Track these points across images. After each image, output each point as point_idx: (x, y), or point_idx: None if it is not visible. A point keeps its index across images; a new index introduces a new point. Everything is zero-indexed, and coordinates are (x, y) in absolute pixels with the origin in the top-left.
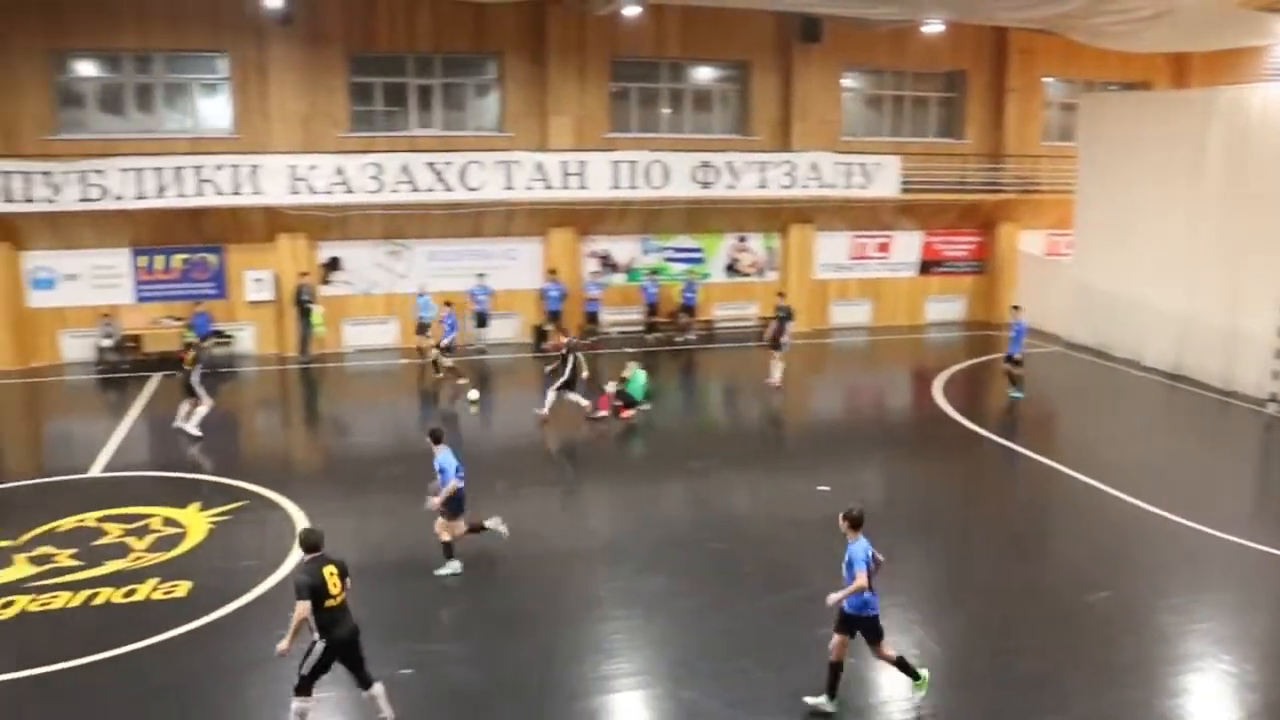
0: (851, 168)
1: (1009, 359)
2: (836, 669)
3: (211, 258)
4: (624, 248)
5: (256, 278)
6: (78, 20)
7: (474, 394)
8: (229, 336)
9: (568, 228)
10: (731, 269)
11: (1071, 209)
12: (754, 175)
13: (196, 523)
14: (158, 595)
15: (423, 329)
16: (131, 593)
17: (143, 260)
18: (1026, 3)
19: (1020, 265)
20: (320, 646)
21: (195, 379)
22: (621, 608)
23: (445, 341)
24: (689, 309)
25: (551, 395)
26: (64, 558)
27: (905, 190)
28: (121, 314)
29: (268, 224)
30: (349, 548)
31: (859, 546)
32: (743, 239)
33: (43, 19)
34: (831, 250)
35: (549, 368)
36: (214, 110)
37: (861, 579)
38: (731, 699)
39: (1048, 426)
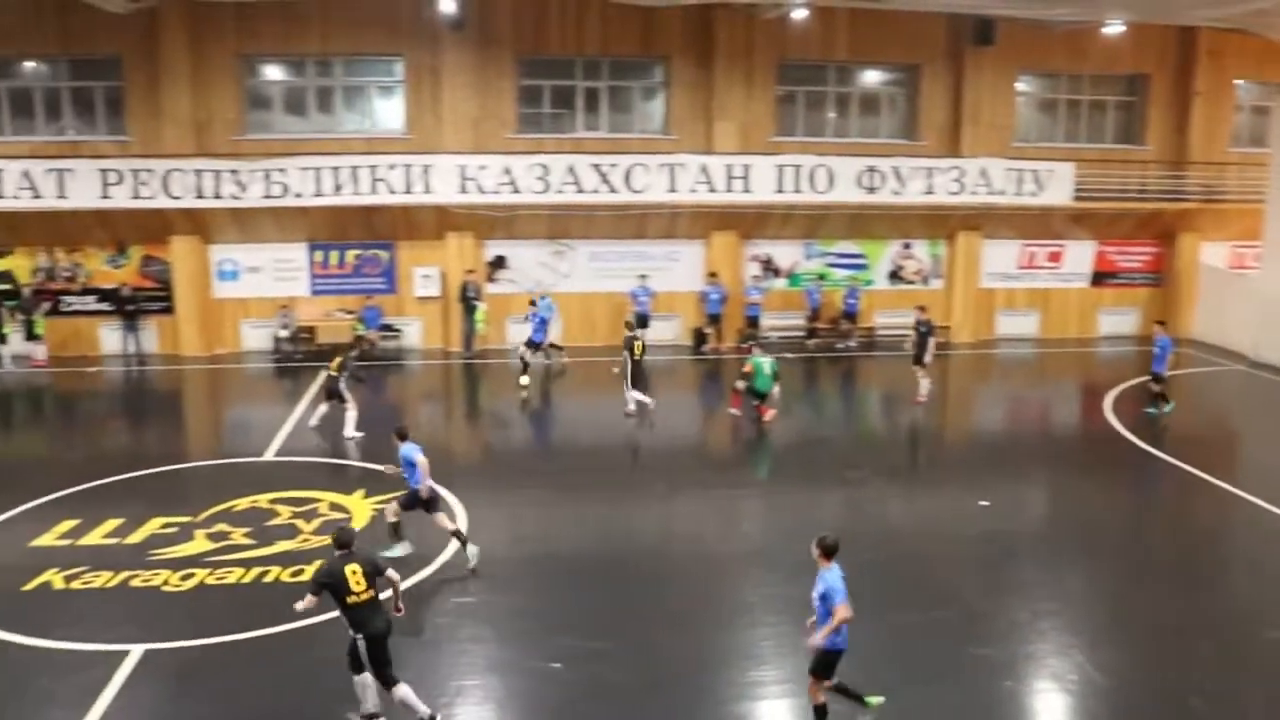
0: (1023, 174)
1: (1153, 377)
2: (821, 712)
3: (383, 254)
4: (786, 252)
5: (425, 274)
6: (267, 28)
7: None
8: (397, 330)
9: (730, 231)
10: (895, 276)
11: (1260, 219)
12: (920, 181)
13: (360, 509)
14: None
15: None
16: (299, 572)
17: (318, 255)
18: (1220, 0)
19: (1201, 278)
20: (360, 642)
21: (343, 384)
22: (772, 614)
23: (536, 340)
24: (851, 316)
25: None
26: (239, 535)
27: (1079, 198)
28: (298, 306)
29: (437, 222)
30: (504, 542)
31: (834, 576)
32: (907, 246)
33: (236, 27)
34: (999, 259)
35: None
36: (389, 112)
37: (844, 611)
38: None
39: (1228, 449)
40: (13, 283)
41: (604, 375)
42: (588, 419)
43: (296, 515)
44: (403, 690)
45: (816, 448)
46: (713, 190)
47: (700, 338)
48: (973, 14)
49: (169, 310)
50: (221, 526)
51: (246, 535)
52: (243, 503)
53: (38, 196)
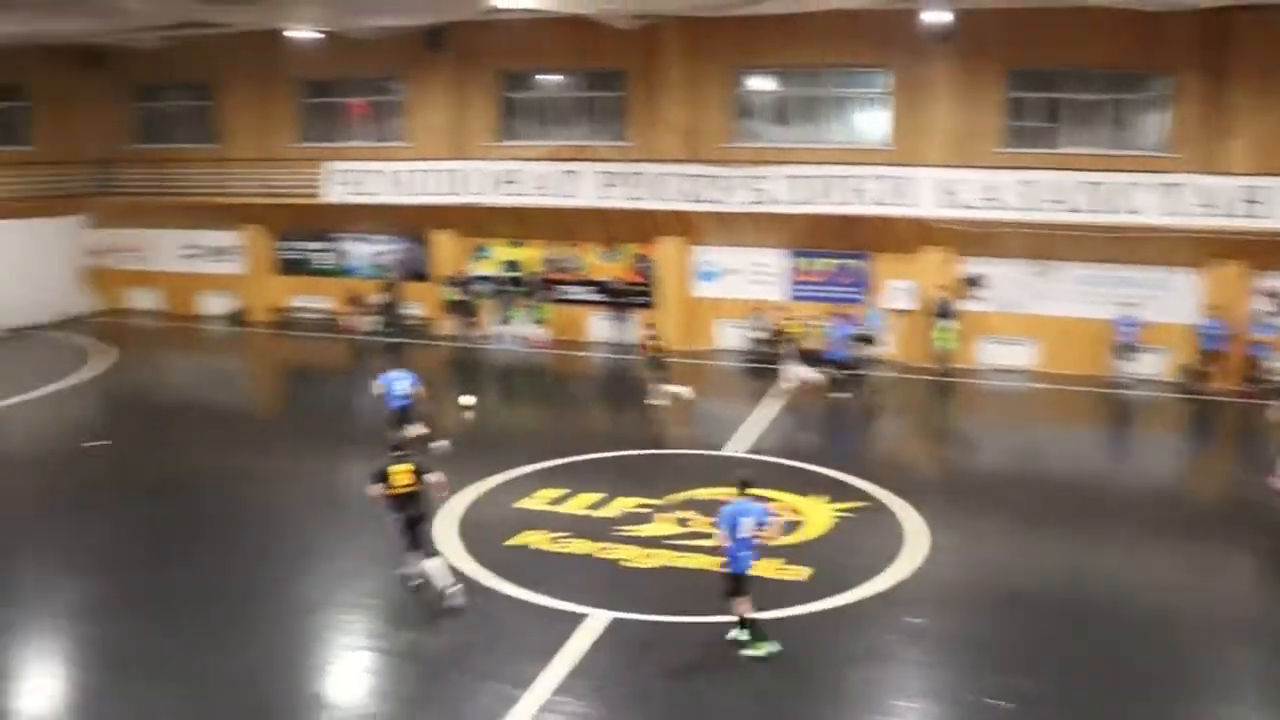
0: None
1: None
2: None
3: (858, 264)
4: None
5: (899, 287)
6: (760, 40)
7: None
8: (869, 339)
9: (1236, 260)
10: None
11: None
12: None
13: (820, 514)
14: (780, 574)
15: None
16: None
17: (795, 262)
18: None
19: None
20: (393, 520)
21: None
22: (1245, 693)
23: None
24: None
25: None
26: (701, 523)
27: None
28: (771, 309)
29: (914, 235)
30: (961, 567)
31: (737, 507)
32: None
33: (731, 39)
34: None
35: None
36: (872, 123)
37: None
38: None
39: None
40: (522, 271)
41: (1080, 405)
42: (1058, 450)
43: None
44: (431, 564)
45: None
46: (1219, 215)
47: (1199, 375)
48: None
49: (652, 305)
50: (686, 513)
51: (709, 524)
52: (706, 493)
53: (548, 195)
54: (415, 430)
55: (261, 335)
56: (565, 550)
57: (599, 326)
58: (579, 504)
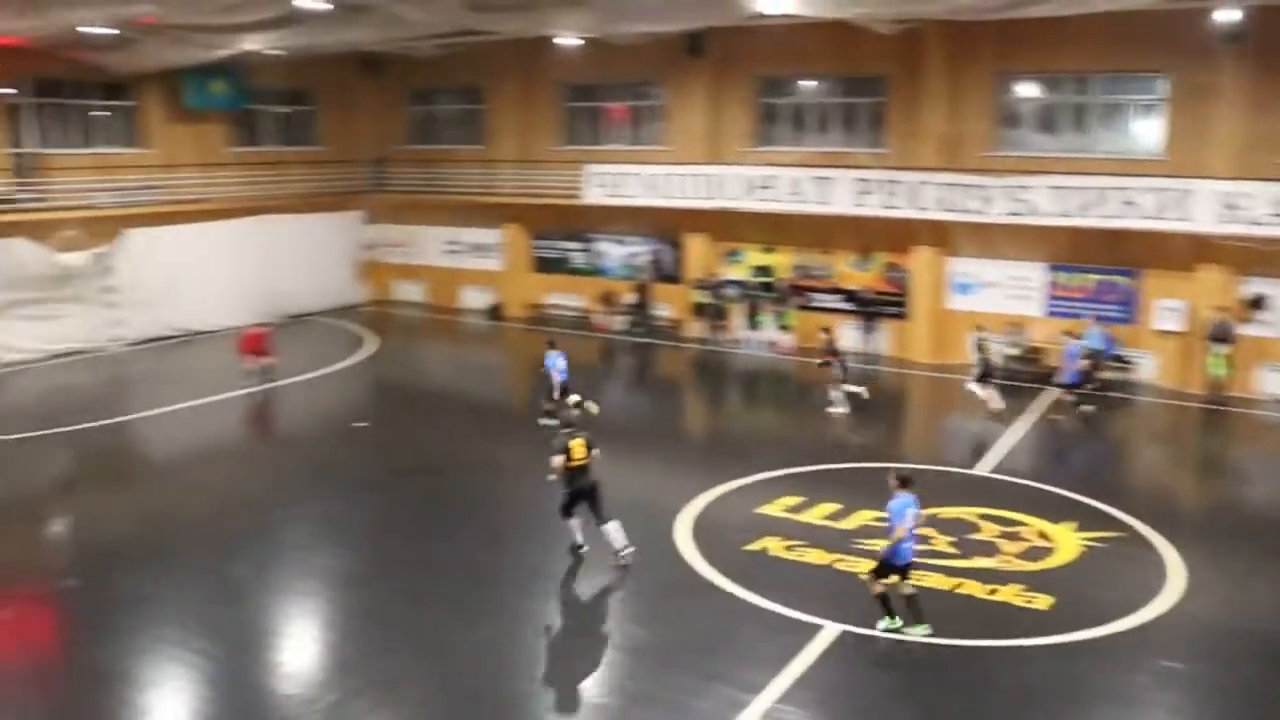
0: None
1: None
2: (884, 599)
3: (1124, 280)
4: None
5: (1169, 307)
6: (1025, 45)
7: None
8: (1129, 362)
9: None
10: None
11: None
12: None
13: (1068, 541)
14: (1018, 601)
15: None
16: (994, 591)
17: (1055, 276)
18: None
19: None
20: (565, 493)
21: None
22: None
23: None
24: None
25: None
26: (941, 543)
27: None
28: (1028, 325)
29: (1190, 252)
30: (1225, 609)
31: (898, 503)
32: None
33: (994, 45)
34: None
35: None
36: (1145, 132)
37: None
38: None
39: None
40: (772, 276)
41: None
42: None
43: (1001, 535)
44: (611, 526)
45: None
46: None
47: None
48: None
49: (903, 316)
50: (926, 530)
51: (949, 544)
52: (949, 511)
53: (802, 201)
54: (572, 401)
55: (516, 330)
56: (801, 559)
57: (847, 335)
58: (817, 513)
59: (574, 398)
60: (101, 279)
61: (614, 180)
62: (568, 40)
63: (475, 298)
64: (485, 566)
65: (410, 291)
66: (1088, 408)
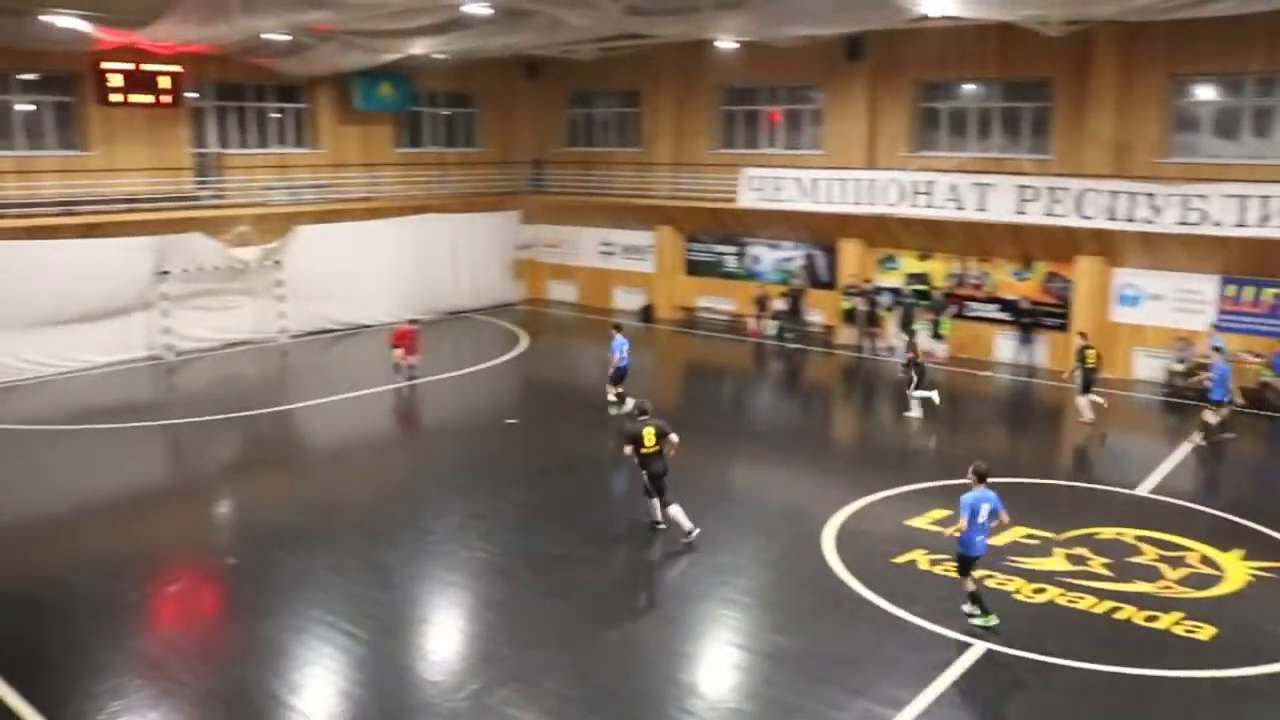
0: None
1: None
2: (974, 596)
3: None
4: None
5: None
6: (1204, 45)
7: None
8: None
9: None
10: None
11: None
12: None
13: (1236, 570)
14: (1179, 630)
15: None
16: (1153, 619)
17: (1230, 290)
18: None
19: None
20: (643, 476)
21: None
22: None
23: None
24: None
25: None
26: (1097, 564)
27: None
28: (1198, 341)
29: None
30: None
31: (971, 496)
32: None
33: (1167, 45)
34: None
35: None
36: None
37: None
38: None
39: None
40: (928, 284)
41: None
42: None
43: (1162, 559)
44: (674, 510)
45: None
46: None
47: None
48: None
49: (1064, 328)
50: (1081, 550)
51: (1105, 566)
52: (1107, 532)
53: (960, 208)
54: (618, 395)
55: (666, 332)
56: (949, 574)
57: (1004, 346)
58: None
59: (617, 393)
60: (271, 273)
61: (769, 184)
62: (726, 43)
63: (627, 299)
64: (626, 565)
65: (563, 291)
66: (1227, 433)
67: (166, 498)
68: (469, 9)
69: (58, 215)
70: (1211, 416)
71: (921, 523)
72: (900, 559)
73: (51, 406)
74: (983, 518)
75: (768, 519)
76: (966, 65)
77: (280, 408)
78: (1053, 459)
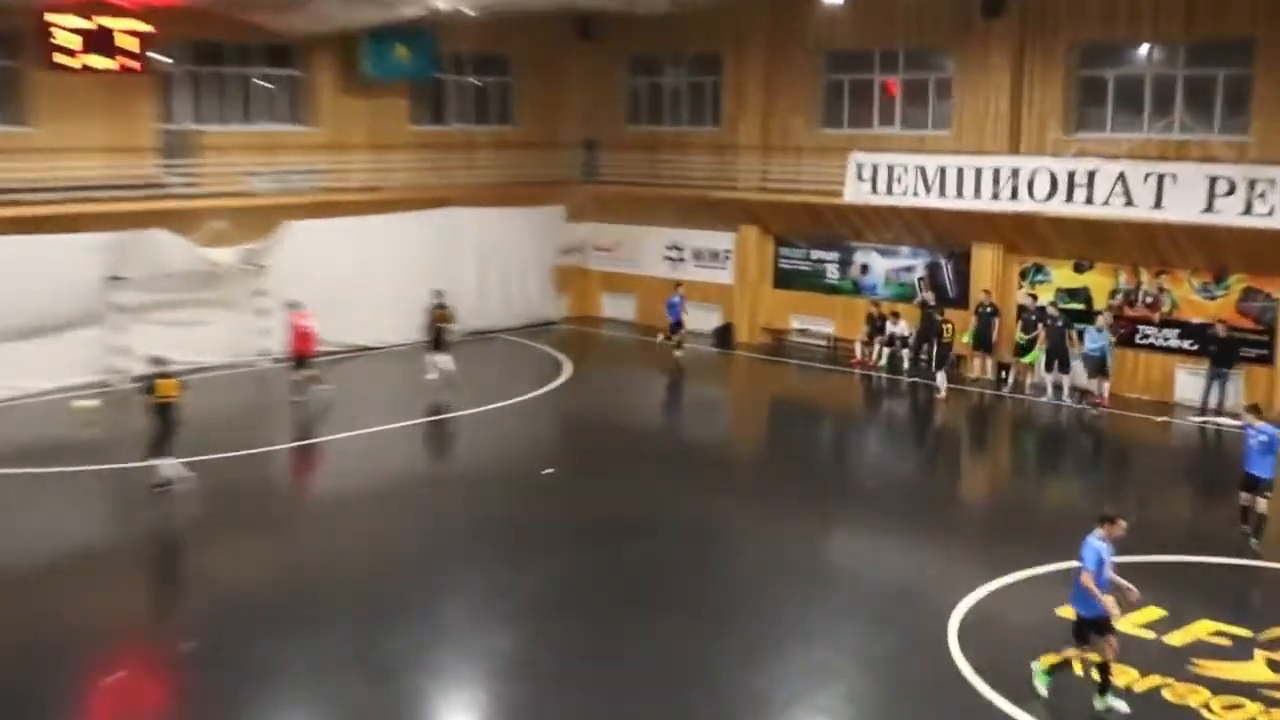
0: None
1: None
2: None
3: None
4: None
5: None
6: None
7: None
8: None
9: None
10: None
11: None
12: None
13: None
14: None
15: None
16: None
17: None
18: None
19: None
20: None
21: None
22: None
23: None
24: None
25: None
26: None
27: None
28: None
29: None
30: None
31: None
32: None
33: None
34: None
35: None
36: None
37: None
38: None
39: None
40: (1087, 303)
41: None
42: None
43: None
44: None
45: None
46: None
47: None
48: None
49: (1268, 359)
50: None
51: None
52: None
53: (1130, 204)
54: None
55: (745, 359)
56: (1119, 681)
57: (1187, 384)
58: (1135, 620)
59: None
60: (252, 280)
61: (884, 173)
62: None
63: (697, 318)
64: (689, 661)
65: (619, 307)
66: None
67: (108, 562)
68: None
69: None
70: None
71: (1072, 612)
72: (1048, 661)
73: None
74: (1109, 570)
75: (876, 604)
76: (1140, 22)
77: (258, 449)
78: (1248, 533)
